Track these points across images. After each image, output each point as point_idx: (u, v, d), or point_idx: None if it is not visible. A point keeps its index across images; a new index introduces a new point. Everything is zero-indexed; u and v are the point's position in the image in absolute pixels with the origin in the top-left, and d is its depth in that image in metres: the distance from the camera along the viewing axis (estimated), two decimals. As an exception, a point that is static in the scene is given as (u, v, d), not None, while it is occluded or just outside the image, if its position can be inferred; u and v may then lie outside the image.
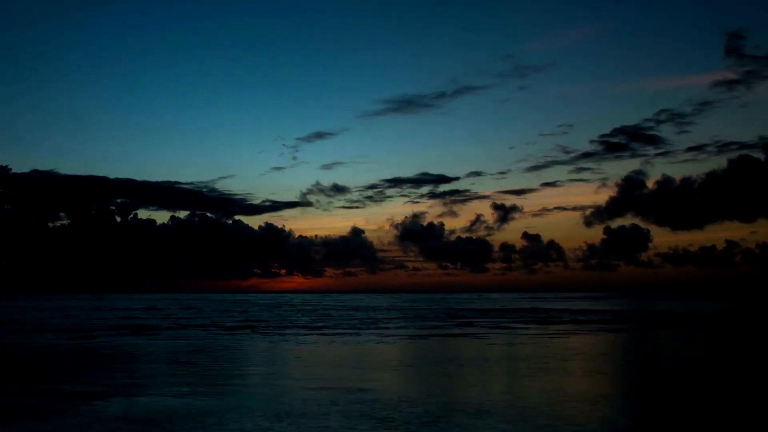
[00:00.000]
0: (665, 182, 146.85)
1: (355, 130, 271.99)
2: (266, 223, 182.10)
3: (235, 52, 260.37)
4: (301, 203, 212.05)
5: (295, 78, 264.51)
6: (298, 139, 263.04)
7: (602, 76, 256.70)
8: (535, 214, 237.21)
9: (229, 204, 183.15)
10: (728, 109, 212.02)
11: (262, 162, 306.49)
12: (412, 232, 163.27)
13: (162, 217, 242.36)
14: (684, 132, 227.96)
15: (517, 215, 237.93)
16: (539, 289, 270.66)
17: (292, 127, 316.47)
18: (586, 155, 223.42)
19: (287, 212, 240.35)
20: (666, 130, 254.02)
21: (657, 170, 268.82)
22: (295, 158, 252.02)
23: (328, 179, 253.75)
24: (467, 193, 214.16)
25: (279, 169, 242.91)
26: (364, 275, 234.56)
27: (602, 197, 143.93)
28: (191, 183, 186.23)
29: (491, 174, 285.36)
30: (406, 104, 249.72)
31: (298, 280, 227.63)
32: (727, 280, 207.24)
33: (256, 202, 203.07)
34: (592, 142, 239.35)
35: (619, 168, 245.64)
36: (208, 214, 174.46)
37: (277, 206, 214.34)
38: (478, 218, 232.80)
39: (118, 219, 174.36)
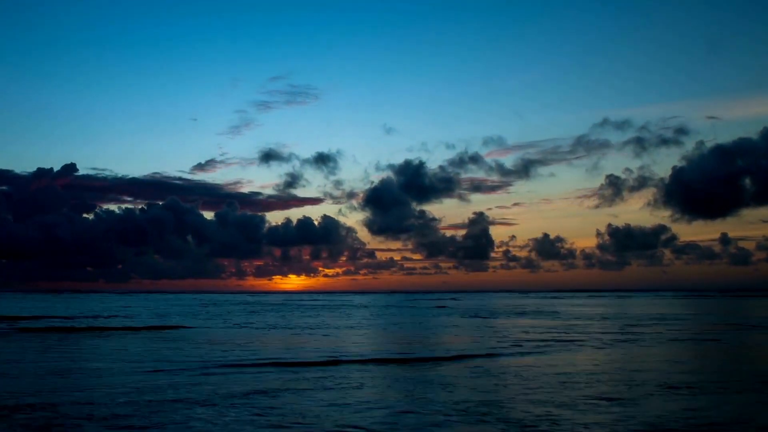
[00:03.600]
0: (680, 171, 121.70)
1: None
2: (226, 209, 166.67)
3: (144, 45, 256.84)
4: (262, 194, 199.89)
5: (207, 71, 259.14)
6: (219, 134, 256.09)
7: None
8: (537, 208, 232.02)
9: (193, 198, 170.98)
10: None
11: (191, 156, 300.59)
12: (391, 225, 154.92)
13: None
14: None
15: (516, 209, 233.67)
16: (541, 288, 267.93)
17: (213, 118, 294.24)
18: (593, 146, 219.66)
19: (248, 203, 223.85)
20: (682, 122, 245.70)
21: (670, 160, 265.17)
22: (223, 153, 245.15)
23: (283, 168, 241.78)
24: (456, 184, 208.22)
25: (210, 162, 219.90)
26: (360, 275, 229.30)
27: (612, 187, 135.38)
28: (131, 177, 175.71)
29: (485, 164, 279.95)
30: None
31: (296, 281, 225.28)
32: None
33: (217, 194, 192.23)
34: (597, 129, 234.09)
35: (627, 160, 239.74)
36: (191, 205, 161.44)
37: (241, 197, 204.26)
38: (477, 215, 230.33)
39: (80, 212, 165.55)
